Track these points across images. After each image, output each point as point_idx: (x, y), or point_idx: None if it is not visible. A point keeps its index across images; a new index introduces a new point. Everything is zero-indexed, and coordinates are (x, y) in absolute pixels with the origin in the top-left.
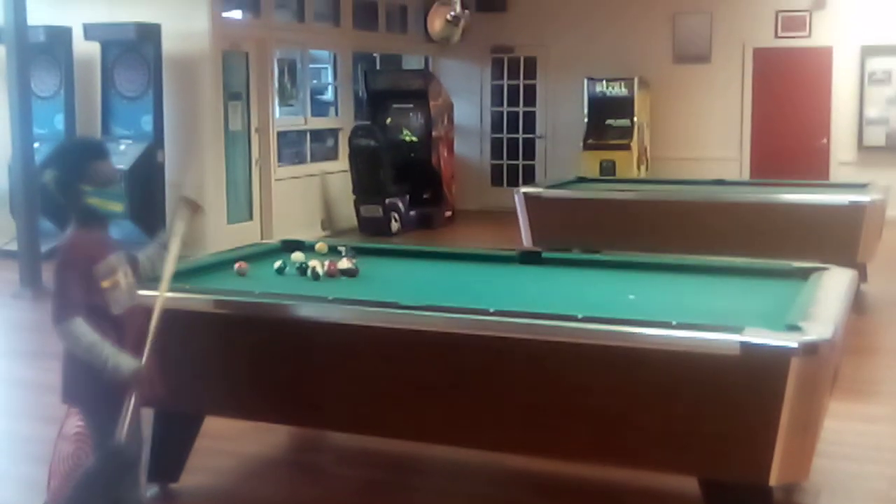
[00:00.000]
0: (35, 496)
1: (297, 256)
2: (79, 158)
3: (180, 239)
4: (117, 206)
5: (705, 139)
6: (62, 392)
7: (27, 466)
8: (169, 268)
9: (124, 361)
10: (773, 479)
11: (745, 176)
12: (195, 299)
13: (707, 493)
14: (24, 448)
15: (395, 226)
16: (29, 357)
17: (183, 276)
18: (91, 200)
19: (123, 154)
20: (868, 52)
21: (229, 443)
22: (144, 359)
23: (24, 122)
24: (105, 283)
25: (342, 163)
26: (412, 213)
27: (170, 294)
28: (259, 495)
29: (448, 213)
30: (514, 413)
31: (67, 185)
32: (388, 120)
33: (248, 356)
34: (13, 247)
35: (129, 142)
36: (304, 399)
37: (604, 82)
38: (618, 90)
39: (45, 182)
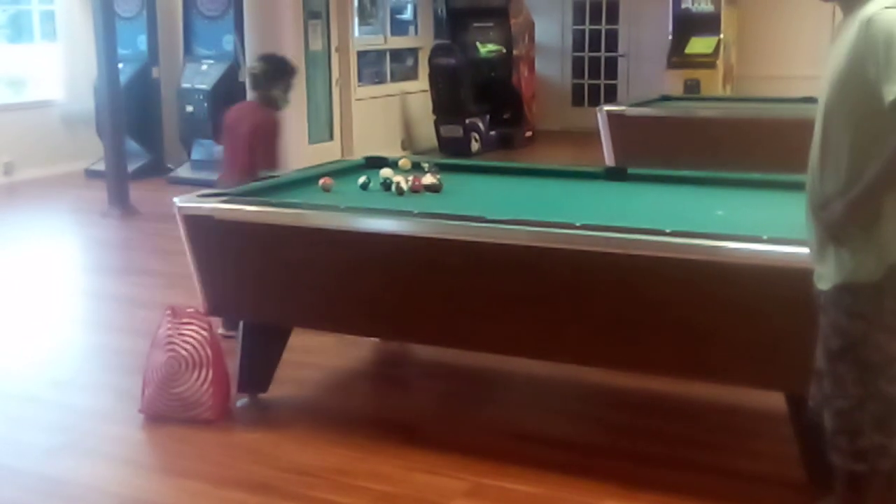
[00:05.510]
0: (130, 405)
1: (386, 172)
2: (287, 68)
3: None
4: (286, 105)
5: (795, 57)
6: None
7: (121, 377)
8: None
9: None
10: None
11: None
12: (281, 213)
13: (794, 410)
14: (117, 360)
15: (475, 145)
16: (119, 273)
17: (268, 191)
18: (276, 93)
19: (206, 74)
20: None
21: (315, 356)
22: None
23: (109, 43)
24: None
25: (422, 82)
26: (492, 132)
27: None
28: (344, 405)
29: (528, 133)
30: (599, 326)
31: (272, 76)
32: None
33: (334, 269)
34: (101, 167)
35: (211, 61)
36: (388, 312)
37: None
38: (704, 6)
39: (252, 67)
